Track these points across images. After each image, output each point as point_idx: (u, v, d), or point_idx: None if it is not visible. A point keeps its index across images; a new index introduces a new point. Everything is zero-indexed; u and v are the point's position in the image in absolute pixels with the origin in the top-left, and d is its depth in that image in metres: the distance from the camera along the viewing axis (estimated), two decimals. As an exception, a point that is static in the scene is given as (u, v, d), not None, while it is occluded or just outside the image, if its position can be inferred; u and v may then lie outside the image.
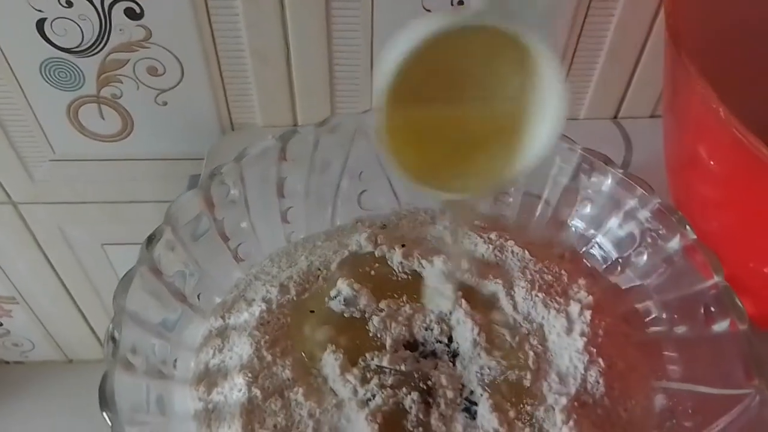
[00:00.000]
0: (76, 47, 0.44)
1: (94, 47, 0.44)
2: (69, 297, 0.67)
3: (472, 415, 0.28)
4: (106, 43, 0.44)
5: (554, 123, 0.24)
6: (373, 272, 0.33)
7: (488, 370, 0.29)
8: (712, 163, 0.31)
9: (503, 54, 0.23)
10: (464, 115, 0.24)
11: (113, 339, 0.25)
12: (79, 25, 0.43)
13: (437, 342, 0.30)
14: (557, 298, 0.31)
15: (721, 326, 0.28)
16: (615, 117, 0.51)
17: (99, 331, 0.73)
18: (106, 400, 0.24)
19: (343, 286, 0.31)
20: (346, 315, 0.31)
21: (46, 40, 0.43)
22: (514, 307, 0.31)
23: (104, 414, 0.24)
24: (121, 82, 0.46)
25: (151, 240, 0.29)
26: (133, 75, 0.46)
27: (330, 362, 0.29)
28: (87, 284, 0.65)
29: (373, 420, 0.27)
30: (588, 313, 0.30)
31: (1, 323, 0.72)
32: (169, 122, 0.49)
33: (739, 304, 0.28)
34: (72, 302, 0.68)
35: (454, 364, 0.30)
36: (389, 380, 0.28)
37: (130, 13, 0.42)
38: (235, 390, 0.28)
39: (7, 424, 0.76)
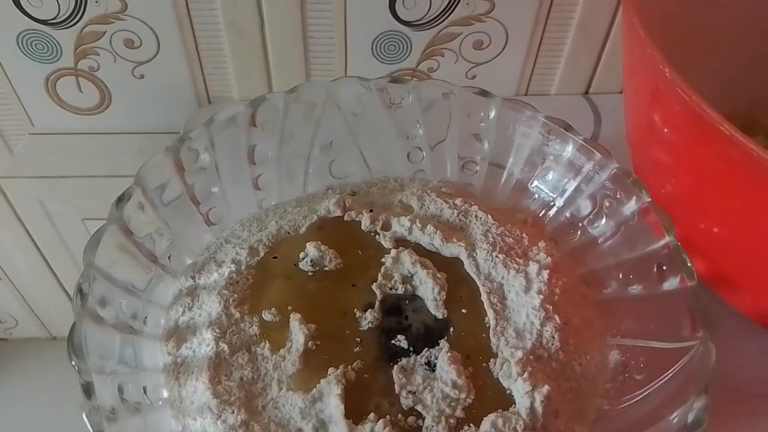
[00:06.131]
0: (53, 19, 0.44)
1: (70, 19, 0.44)
2: (51, 272, 0.68)
3: (432, 368, 0.29)
4: (82, 15, 0.44)
5: None
6: (340, 235, 0.34)
7: (449, 326, 0.30)
8: (665, 130, 0.32)
9: None
10: None
11: (81, 291, 0.26)
12: (54, -4, 0.43)
13: (401, 300, 0.31)
14: (517, 259, 0.32)
15: (671, 283, 0.30)
16: (586, 92, 0.52)
17: (82, 307, 0.74)
18: (74, 350, 0.25)
19: (311, 248, 0.32)
20: (312, 276, 0.32)
21: (22, 12, 0.44)
22: (476, 268, 0.32)
23: (72, 363, 0.25)
24: (98, 55, 0.47)
25: (120, 200, 0.30)
26: (110, 47, 0.46)
27: (296, 326, 0.30)
28: (68, 260, 0.66)
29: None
30: (546, 273, 0.31)
31: (-17, 299, 0.72)
32: (146, 95, 0.50)
33: (689, 261, 0.29)
34: (54, 278, 0.69)
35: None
36: (356, 338, 0.29)
37: (106, -15, 0.43)
38: (203, 345, 0.29)
39: (-9, 400, 0.77)
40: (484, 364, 0.29)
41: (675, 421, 0.26)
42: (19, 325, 0.77)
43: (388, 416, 0.27)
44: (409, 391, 0.28)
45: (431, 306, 0.31)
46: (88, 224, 0.62)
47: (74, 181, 0.57)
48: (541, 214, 0.36)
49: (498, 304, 0.31)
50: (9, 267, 0.67)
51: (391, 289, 0.31)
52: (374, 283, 0.31)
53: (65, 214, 0.60)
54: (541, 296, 0.30)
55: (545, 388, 0.27)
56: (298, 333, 0.29)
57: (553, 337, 0.30)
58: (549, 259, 0.32)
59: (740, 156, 0.25)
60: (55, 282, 0.69)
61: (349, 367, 0.28)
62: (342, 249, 0.33)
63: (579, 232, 0.35)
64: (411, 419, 0.27)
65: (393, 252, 0.32)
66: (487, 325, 0.30)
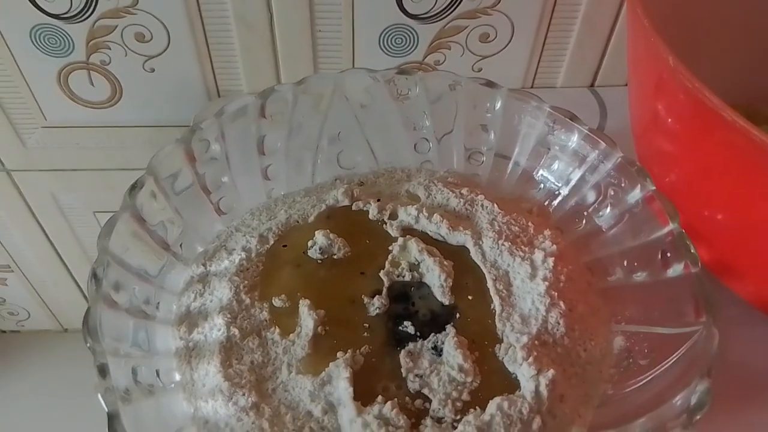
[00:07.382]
0: (65, 13, 0.45)
1: (82, 13, 0.45)
2: (63, 265, 0.69)
3: (438, 352, 0.29)
4: (94, 9, 0.45)
5: None
6: (348, 224, 0.34)
7: (455, 312, 0.31)
8: (669, 119, 0.32)
9: None
10: None
11: (95, 276, 0.27)
12: (67, -9, 0.44)
13: (408, 287, 0.32)
14: (522, 246, 0.33)
15: (675, 270, 0.30)
16: (592, 85, 0.52)
17: (93, 300, 0.75)
18: (89, 332, 0.25)
19: (319, 236, 0.33)
20: (321, 263, 0.32)
21: (35, 6, 0.45)
22: (482, 256, 0.33)
23: (87, 345, 0.25)
24: (110, 49, 0.47)
25: (133, 188, 0.31)
26: (121, 41, 0.47)
27: (305, 311, 0.30)
28: (80, 252, 0.67)
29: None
30: (551, 260, 0.32)
31: (-4, 292, 0.73)
32: (156, 89, 0.50)
33: (692, 248, 0.29)
34: (66, 270, 0.70)
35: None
36: (364, 324, 0.30)
37: (117, -21, 0.43)
38: (214, 330, 0.30)
39: (2, 392, 0.78)
40: (490, 350, 0.29)
41: (678, 404, 0.26)
42: (31, 318, 0.78)
43: (395, 399, 0.27)
44: (416, 375, 0.28)
45: (438, 293, 0.31)
46: (100, 217, 0.62)
47: (86, 174, 0.58)
48: (546, 203, 0.36)
49: (504, 290, 0.31)
50: (21, 259, 0.68)
51: (398, 276, 0.32)
52: (382, 271, 0.32)
53: (77, 206, 0.61)
54: (547, 283, 0.31)
55: (550, 372, 0.28)
56: (307, 318, 0.30)
57: (558, 323, 0.30)
58: (554, 246, 0.32)
59: (743, 143, 0.26)
60: (66, 274, 0.70)
61: (358, 351, 0.29)
62: (350, 237, 0.33)
63: (584, 221, 0.35)
64: (418, 402, 0.27)
65: (400, 240, 0.33)
66: (493, 311, 0.30)
